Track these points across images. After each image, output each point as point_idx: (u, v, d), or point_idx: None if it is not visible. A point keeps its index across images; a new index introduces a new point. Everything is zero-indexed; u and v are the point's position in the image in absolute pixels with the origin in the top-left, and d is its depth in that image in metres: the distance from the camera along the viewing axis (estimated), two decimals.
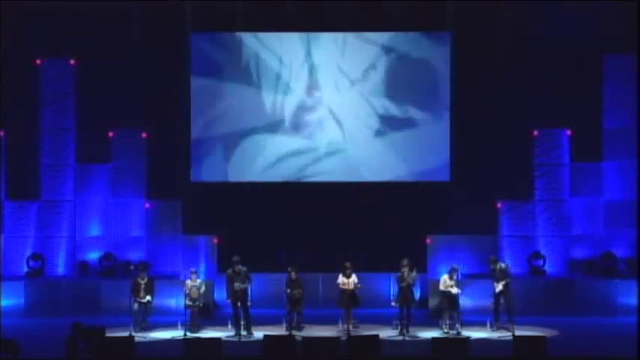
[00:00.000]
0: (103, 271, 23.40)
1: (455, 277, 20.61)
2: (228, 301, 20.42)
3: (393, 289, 21.36)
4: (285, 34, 24.46)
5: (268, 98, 24.49)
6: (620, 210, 23.71)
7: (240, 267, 20.24)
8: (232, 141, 24.48)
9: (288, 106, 24.51)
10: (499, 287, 20.57)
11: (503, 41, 24.14)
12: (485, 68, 24.10)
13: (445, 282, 20.59)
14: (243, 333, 19.87)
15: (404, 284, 20.33)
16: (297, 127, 24.51)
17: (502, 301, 20.58)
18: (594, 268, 23.53)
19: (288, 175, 24.50)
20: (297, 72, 24.49)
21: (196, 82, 24.45)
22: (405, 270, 20.41)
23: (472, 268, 23.29)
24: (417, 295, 22.11)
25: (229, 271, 20.38)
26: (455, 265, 20.87)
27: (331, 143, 24.48)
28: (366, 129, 24.46)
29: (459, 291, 20.47)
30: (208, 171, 24.57)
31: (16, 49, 23.84)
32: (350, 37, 24.44)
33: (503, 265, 20.94)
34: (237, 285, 20.11)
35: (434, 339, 17.77)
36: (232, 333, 19.92)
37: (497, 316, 20.58)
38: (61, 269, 23.80)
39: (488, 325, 20.42)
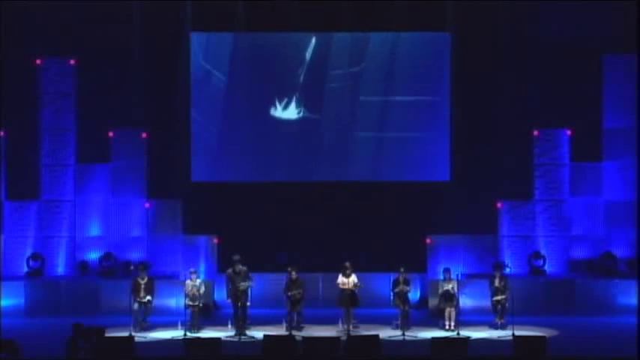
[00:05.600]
0: (103, 271, 23.40)
1: (449, 277, 20.75)
2: (228, 300, 20.42)
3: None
4: (285, 34, 24.45)
5: (269, 98, 24.48)
6: (620, 210, 23.73)
7: (240, 266, 20.24)
8: (232, 141, 24.47)
9: (288, 105, 24.50)
10: (499, 297, 20.69)
11: (503, 41, 24.12)
12: (485, 68, 24.07)
13: (441, 285, 20.80)
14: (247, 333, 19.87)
15: (397, 290, 20.56)
16: (297, 126, 24.50)
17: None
18: (594, 268, 23.54)
19: (288, 174, 24.49)
20: (297, 72, 24.48)
21: (196, 82, 24.45)
22: (402, 278, 20.56)
23: (472, 268, 23.32)
24: (416, 295, 22.36)
25: (229, 270, 20.39)
26: (445, 267, 21.16)
27: (332, 143, 24.46)
28: (367, 129, 24.45)
29: (450, 287, 20.53)
30: (208, 171, 24.57)
31: (16, 49, 23.84)
32: (350, 37, 24.44)
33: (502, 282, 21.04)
34: (242, 284, 20.09)
35: (434, 339, 17.79)
36: (232, 333, 19.92)
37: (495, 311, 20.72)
38: (61, 269, 23.82)
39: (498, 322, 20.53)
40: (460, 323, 20.21)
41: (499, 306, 20.63)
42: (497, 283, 20.84)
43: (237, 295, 20.12)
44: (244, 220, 24.20)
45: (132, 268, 22.37)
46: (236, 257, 20.33)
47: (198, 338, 18.64)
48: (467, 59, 24.12)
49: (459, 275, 21.75)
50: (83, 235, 23.93)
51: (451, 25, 24.32)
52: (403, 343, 19.18)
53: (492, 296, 20.78)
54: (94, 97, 23.97)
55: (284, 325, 20.28)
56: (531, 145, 23.93)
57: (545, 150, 23.94)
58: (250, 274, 20.37)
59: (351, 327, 20.01)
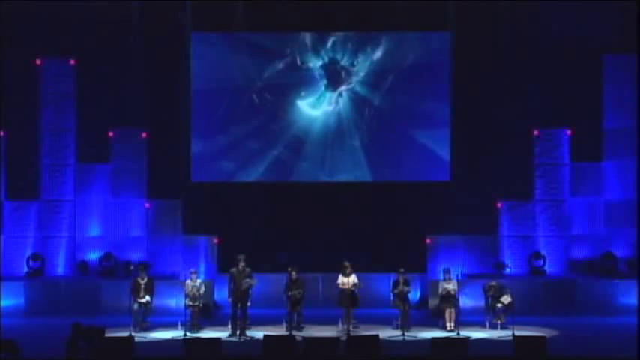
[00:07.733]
0: (103, 271, 23.41)
1: (449, 277, 20.75)
2: (229, 299, 20.38)
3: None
4: (284, 35, 24.45)
5: (269, 98, 24.48)
6: (620, 210, 23.73)
7: (243, 265, 20.22)
8: (233, 141, 24.46)
9: (288, 105, 24.50)
10: (508, 299, 20.63)
11: (503, 41, 24.12)
12: (485, 68, 24.08)
13: (441, 285, 20.77)
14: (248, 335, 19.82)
15: (397, 291, 20.55)
16: (296, 125, 24.49)
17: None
18: (594, 268, 23.55)
19: (288, 174, 24.49)
20: (296, 72, 24.47)
21: (196, 82, 24.44)
22: (402, 278, 20.56)
23: (472, 268, 23.32)
24: (416, 295, 22.36)
25: (233, 269, 20.36)
26: (445, 267, 21.10)
27: (332, 143, 24.46)
28: (367, 129, 24.45)
29: (451, 287, 20.54)
30: (208, 171, 24.56)
31: (16, 49, 23.83)
32: (350, 37, 24.44)
33: (494, 283, 20.99)
34: (244, 281, 20.07)
35: (434, 339, 17.79)
36: (228, 333, 19.85)
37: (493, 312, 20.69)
38: (61, 269, 23.82)
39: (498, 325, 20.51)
40: (460, 323, 20.21)
41: (498, 306, 20.58)
42: (492, 291, 20.77)
43: (237, 295, 20.11)
44: (244, 220, 24.22)
45: (132, 268, 22.38)
46: (240, 256, 20.31)
47: (198, 338, 18.63)
48: (467, 59, 24.12)
49: (459, 275, 21.76)
50: (83, 235, 23.93)
51: (451, 25, 24.32)
52: (403, 343, 19.17)
53: (493, 300, 20.68)
54: (94, 97, 23.97)
55: (284, 325, 20.27)
56: (531, 145, 23.94)
57: (545, 150, 23.95)
58: (253, 275, 20.36)
59: (351, 327, 20.00)
